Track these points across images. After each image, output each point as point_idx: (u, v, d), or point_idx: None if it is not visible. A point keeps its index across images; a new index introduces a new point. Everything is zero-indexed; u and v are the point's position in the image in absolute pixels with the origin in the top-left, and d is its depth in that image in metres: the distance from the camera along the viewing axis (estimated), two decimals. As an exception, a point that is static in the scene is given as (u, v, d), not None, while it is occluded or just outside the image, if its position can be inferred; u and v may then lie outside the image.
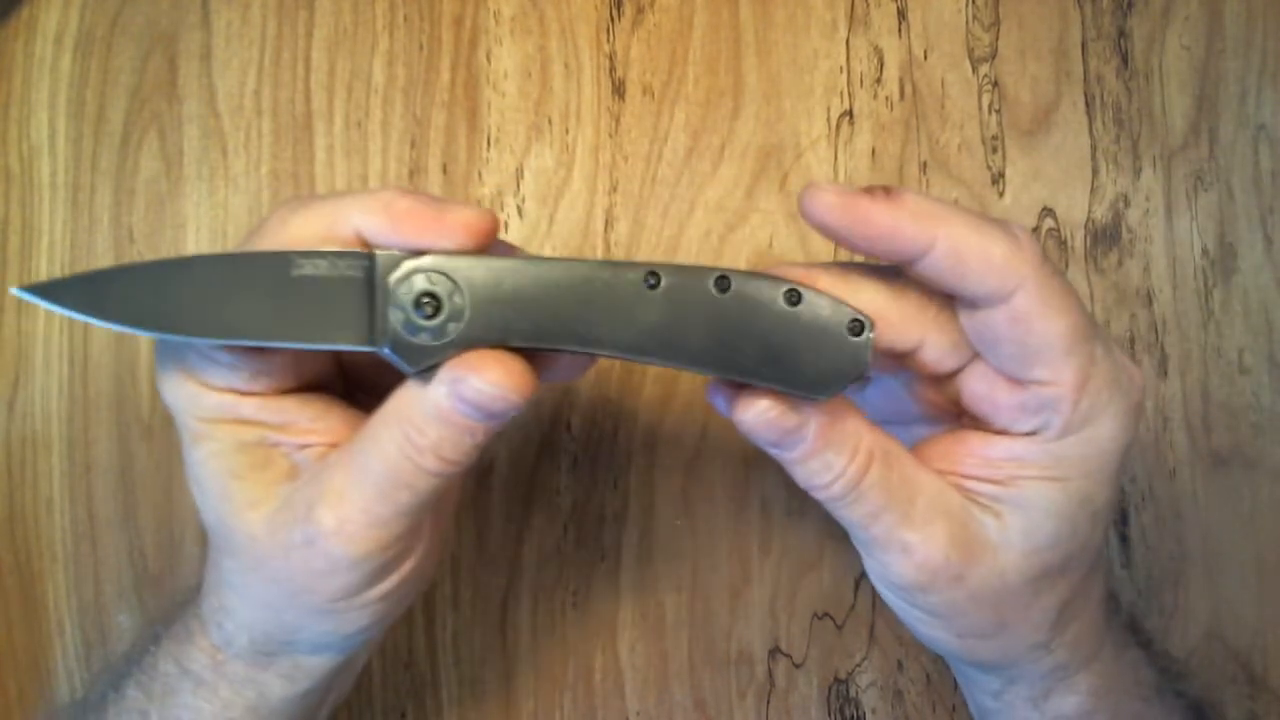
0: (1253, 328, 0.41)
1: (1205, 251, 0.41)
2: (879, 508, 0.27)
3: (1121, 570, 0.41)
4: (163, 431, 0.40)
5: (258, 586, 0.28)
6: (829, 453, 0.27)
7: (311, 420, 0.28)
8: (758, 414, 0.26)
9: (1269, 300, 0.41)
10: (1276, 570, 0.41)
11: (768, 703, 0.41)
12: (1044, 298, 0.26)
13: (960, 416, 0.30)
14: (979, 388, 0.28)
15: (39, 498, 0.40)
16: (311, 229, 0.26)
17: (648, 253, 0.41)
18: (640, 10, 0.41)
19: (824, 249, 0.41)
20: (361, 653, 0.32)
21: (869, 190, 0.26)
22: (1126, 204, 0.41)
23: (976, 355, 0.28)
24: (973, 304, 0.27)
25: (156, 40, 0.40)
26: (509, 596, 0.41)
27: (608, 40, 0.41)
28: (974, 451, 0.28)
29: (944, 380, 0.29)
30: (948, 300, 0.28)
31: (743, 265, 0.41)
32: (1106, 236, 0.41)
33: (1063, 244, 0.41)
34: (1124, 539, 0.41)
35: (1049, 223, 0.41)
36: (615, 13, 0.41)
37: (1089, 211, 0.41)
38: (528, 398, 0.25)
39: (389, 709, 0.41)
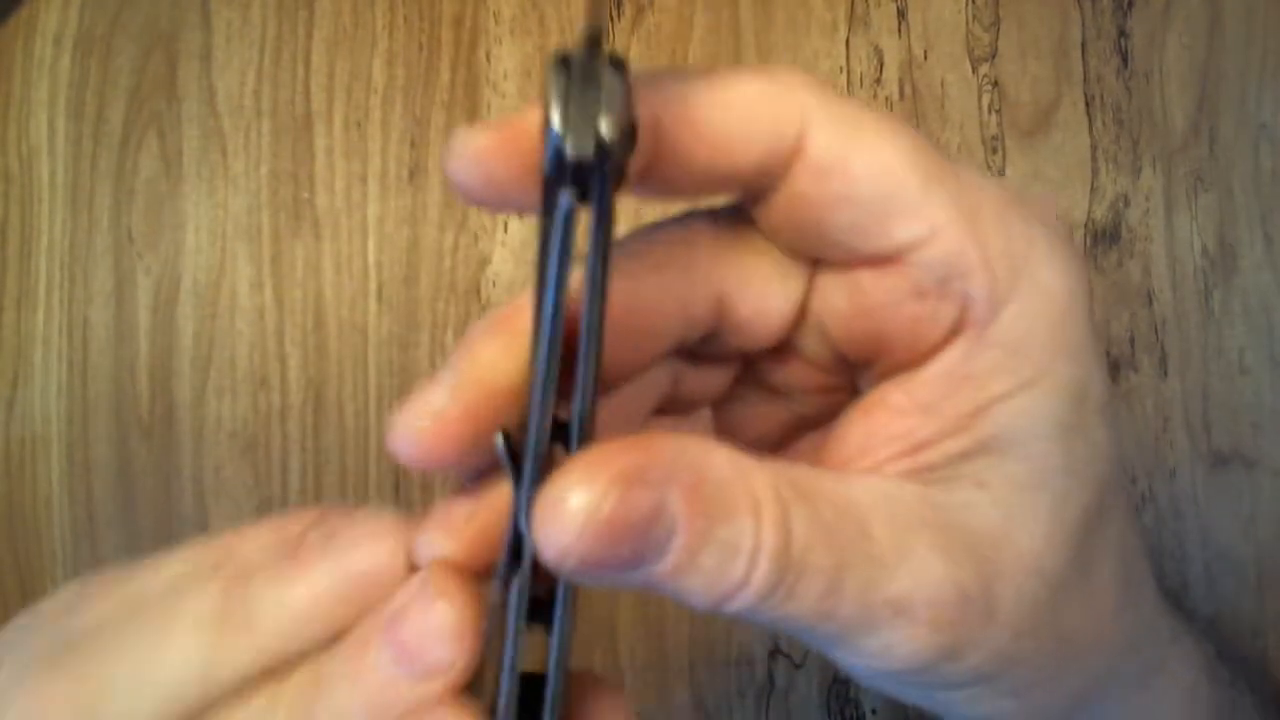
0: (1253, 328, 0.41)
1: (1205, 251, 0.41)
2: (833, 575, 0.16)
3: (1121, 570, 0.41)
4: (162, 431, 0.40)
5: None
6: (718, 529, 0.16)
7: None
8: (579, 527, 0.15)
9: (1269, 300, 0.41)
10: (1276, 570, 0.41)
11: (768, 703, 0.41)
12: (846, 128, 0.17)
13: (845, 393, 0.21)
14: (840, 303, 0.19)
15: (39, 497, 0.40)
16: None
17: (647, 253, 0.41)
18: (640, 10, 0.41)
19: (824, 249, 0.41)
20: None
21: None
22: (1126, 204, 0.41)
23: (816, 268, 0.19)
24: (757, 196, 0.18)
25: (156, 40, 0.40)
26: (509, 596, 0.41)
27: (607, 40, 0.41)
28: (895, 408, 0.18)
29: (792, 348, 0.20)
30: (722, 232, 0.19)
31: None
32: (1106, 236, 0.41)
33: (1063, 244, 0.41)
34: (1124, 539, 0.41)
35: (1049, 223, 0.41)
36: (615, 13, 0.41)
37: (1089, 211, 0.41)
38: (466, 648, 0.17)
39: (389, 709, 0.41)
